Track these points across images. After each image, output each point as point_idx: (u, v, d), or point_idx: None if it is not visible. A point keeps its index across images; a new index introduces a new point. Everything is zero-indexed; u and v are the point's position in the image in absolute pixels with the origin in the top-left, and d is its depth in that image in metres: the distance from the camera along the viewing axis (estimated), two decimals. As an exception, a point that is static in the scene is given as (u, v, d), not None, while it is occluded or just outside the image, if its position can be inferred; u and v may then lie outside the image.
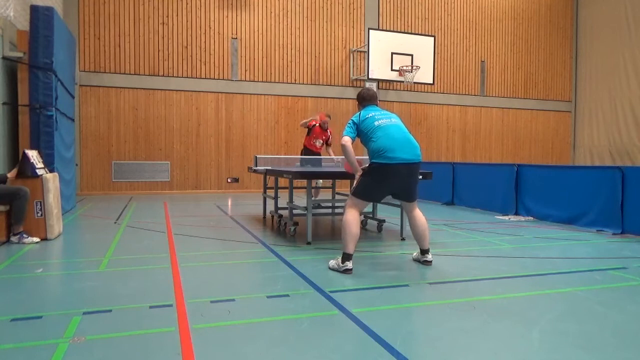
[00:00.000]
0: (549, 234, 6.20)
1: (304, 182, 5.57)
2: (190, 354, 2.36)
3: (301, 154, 8.83)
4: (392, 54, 12.99)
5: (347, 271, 3.99)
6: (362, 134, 4.30)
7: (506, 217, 7.72)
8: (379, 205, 6.68)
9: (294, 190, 6.33)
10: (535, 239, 5.83)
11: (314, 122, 8.69)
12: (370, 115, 4.32)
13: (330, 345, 2.52)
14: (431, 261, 4.38)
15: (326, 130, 8.70)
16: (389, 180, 4.14)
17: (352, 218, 4.12)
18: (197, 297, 3.30)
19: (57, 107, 7.26)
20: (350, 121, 4.38)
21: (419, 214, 4.38)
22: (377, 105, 4.54)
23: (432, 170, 6.02)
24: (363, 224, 6.73)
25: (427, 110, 14.94)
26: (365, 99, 4.54)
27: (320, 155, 8.74)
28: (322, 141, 8.73)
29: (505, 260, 4.64)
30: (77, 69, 11.03)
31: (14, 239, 5.21)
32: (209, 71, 12.65)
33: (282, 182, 7.36)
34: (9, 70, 6.87)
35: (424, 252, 4.39)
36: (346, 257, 4.03)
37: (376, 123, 4.24)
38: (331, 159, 8.43)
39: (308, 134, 8.74)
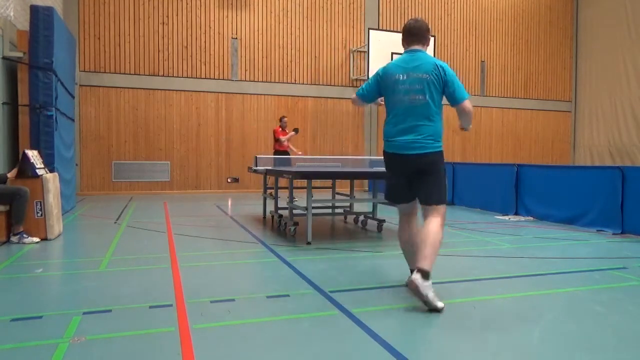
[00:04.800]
0: (549, 234, 6.20)
1: (304, 182, 5.56)
2: (190, 354, 2.36)
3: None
4: (392, 54, 12.98)
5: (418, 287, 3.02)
6: (384, 96, 3.49)
7: (506, 217, 7.72)
8: (379, 205, 6.68)
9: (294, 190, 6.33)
10: (535, 239, 5.82)
11: (277, 130, 10.71)
12: (395, 77, 3.34)
13: (330, 345, 2.52)
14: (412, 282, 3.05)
15: (284, 129, 10.67)
16: (397, 172, 3.44)
17: (399, 228, 3.52)
18: (197, 297, 3.30)
19: (57, 107, 7.26)
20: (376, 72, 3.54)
21: (431, 221, 3.25)
22: (423, 48, 3.44)
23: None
24: (363, 224, 6.73)
25: (427, 110, 14.91)
26: (408, 34, 3.45)
27: (288, 152, 10.61)
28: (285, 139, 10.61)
29: (505, 260, 4.64)
30: (77, 69, 11.03)
31: (14, 239, 5.21)
32: (209, 71, 12.65)
33: (282, 182, 7.36)
34: (9, 70, 6.87)
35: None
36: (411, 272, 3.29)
37: (396, 105, 3.36)
38: (297, 154, 10.78)
39: (277, 141, 10.65)
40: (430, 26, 3.73)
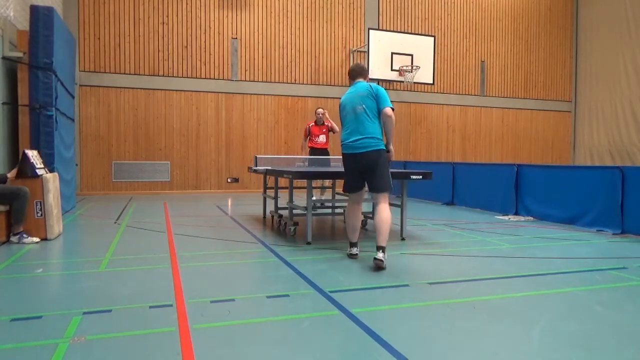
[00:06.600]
0: (549, 234, 6.20)
1: (303, 182, 5.57)
2: (190, 354, 2.36)
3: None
4: (392, 54, 12.99)
5: (350, 256, 4.60)
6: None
7: (506, 217, 7.72)
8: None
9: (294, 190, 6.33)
10: (535, 239, 5.83)
11: (307, 126, 9.24)
12: (344, 104, 4.63)
13: (330, 345, 2.52)
14: (381, 260, 4.06)
15: (323, 124, 9.18)
16: (350, 167, 4.55)
17: (347, 210, 4.68)
18: (197, 297, 3.30)
19: (57, 107, 7.26)
20: None
21: (382, 208, 4.33)
22: (364, 79, 4.68)
23: (432, 170, 6.02)
24: (363, 224, 6.73)
25: (427, 110, 14.94)
26: (353, 72, 4.74)
27: (327, 149, 9.20)
28: (324, 135, 9.15)
29: (505, 261, 4.64)
30: (77, 69, 11.02)
31: (14, 239, 5.21)
32: (209, 71, 12.65)
33: (282, 182, 7.36)
34: (9, 70, 6.87)
35: (377, 248, 4.18)
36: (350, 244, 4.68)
37: (346, 117, 4.60)
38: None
39: (310, 138, 9.20)
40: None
